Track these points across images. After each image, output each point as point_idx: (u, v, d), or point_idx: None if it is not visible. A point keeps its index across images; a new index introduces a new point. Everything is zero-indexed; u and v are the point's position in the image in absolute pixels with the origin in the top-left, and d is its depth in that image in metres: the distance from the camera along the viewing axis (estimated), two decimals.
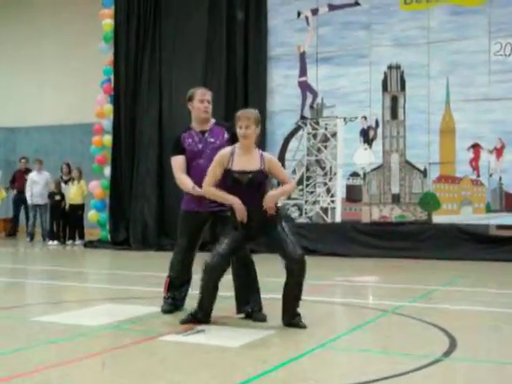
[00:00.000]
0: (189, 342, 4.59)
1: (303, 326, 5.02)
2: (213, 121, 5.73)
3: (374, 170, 11.82)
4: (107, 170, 13.79)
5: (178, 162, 5.58)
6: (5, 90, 17.74)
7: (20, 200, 15.75)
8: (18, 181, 15.98)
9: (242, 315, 5.42)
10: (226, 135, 5.59)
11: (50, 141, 17.24)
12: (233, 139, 5.36)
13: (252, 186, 5.03)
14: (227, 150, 5.14)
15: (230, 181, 5.04)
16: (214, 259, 4.97)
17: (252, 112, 5.14)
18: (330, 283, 8.17)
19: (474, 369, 4.04)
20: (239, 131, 5.05)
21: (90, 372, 3.95)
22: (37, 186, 15.05)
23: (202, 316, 5.11)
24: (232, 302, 5.47)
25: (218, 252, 4.99)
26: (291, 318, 5.08)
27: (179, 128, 6.19)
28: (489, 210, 11.08)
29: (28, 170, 15.83)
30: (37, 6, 17.34)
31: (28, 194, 15.11)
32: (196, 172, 5.48)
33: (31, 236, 15.19)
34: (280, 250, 5.01)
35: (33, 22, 17.39)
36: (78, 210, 14.50)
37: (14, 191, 16.17)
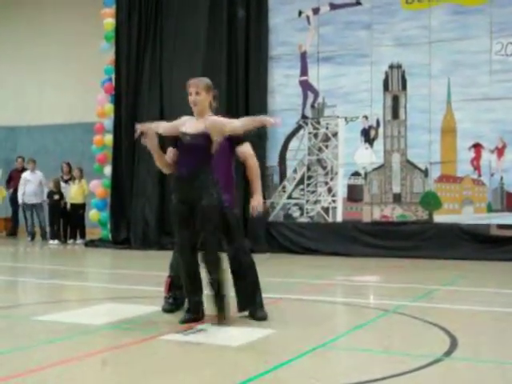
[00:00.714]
0: (189, 341, 4.59)
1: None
2: (210, 114, 5.63)
3: (375, 169, 11.81)
4: (108, 170, 13.78)
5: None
6: (5, 89, 17.75)
7: (16, 199, 15.75)
8: (14, 180, 15.99)
9: (243, 314, 5.41)
10: None
11: (51, 140, 17.23)
12: (231, 137, 5.31)
13: (190, 148, 5.03)
14: (187, 116, 5.24)
15: (179, 142, 5.13)
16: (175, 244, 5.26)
17: (202, 79, 5.20)
18: (331, 283, 8.16)
19: (475, 368, 4.03)
20: (189, 98, 5.12)
21: (90, 371, 3.95)
22: (30, 186, 15.08)
23: (192, 308, 5.11)
24: (233, 301, 5.47)
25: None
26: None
27: None
28: (490, 209, 11.06)
29: (25, 170, 15.83)
30: (37, 5, 17.34)
31: (20, 193, 15.14)
32: None
33: (32, 235, 15.21)
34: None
35: (33, 21, 17.39)
36: (79, 209, 14.51)
37: (10, 190, 16.19)
